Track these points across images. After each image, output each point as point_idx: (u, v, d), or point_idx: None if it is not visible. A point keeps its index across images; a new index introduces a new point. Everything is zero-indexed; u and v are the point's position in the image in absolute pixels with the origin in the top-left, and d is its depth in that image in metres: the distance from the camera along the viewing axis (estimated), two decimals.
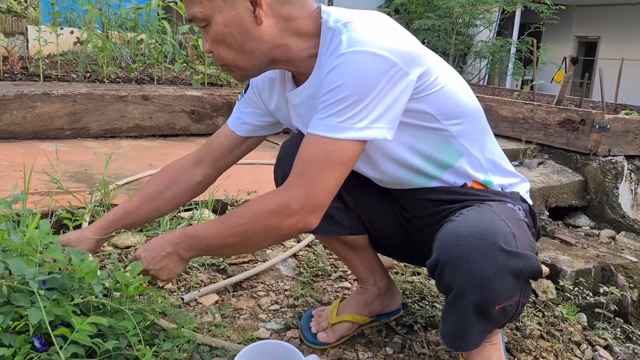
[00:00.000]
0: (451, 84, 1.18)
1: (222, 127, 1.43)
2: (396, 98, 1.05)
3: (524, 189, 1.32)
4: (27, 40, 5.36)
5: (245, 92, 1.38)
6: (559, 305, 1.74)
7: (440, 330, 1.18)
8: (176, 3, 3.93)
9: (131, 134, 3.26)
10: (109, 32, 4.06)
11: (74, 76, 3.88)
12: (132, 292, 1.06)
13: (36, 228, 1.05)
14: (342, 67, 1.03)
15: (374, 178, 1.32)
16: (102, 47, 3.61)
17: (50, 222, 1.82)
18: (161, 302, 1.22)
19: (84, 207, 1.92)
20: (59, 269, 1.06)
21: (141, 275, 1.12)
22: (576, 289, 1.83)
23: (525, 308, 1.56)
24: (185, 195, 1.43)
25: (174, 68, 4.00)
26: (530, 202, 1.31)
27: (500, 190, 1.26)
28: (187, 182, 1.41)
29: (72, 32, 5.33)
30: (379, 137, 1.05)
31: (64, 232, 1.79)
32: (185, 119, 3.41)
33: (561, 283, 1.83)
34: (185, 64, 3.96)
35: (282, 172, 1.36)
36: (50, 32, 3.79)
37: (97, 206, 1.95)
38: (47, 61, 4.41)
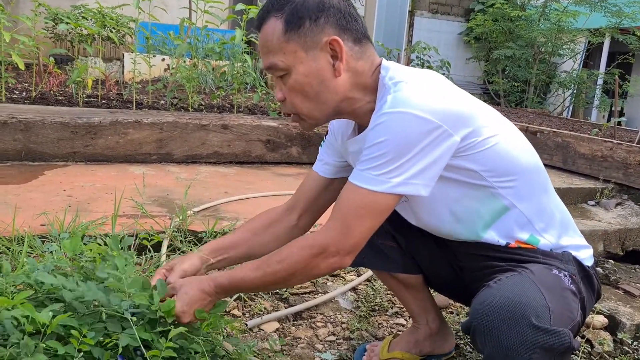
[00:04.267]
0: (505, 142, 1.21)
1: (308, 173, 1.51)
2: (436, 158, 1.11)
3: (585, 254, 1.30)
4: (123, 66, 5.82)
5: (326, 137, 1.48)
6: (616, 359, 1.71)
7: None
8: (258, 38, 4.17)
9: (210, 160, 3.48)
10: (196, 61, 4.36)
11: (163, 102, 4.19)
12: (206, 328, 1.20)
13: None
14: (383, 125, 1.10)
15: (418, 225, 1.38)
16: (189, 78, 3.89)
17: (135, 243, 2.02)
18: (228, 328, 1.35)
19: (164, 232, 2.10)
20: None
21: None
22: (635, 343, 1.79)
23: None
24: (285, 235, 1.47)
25: (253, 97, 4.23)
26: (590, 263, 1.30)
27: (549, 250, 1.26)
28: (285, 224, 1.48)
29: (163, 60, 5.74)
30: (413, 193, 1.12)
31: (145, 254, 1.98)
32: (260, 147, 3.60)
33: (619, 336, 1.80)
34: (264, 94, 4.17)
35: None
36: (143, 62, 4.12)
37: (175, 231, 2.12)
38: (140, 86, 4.78)
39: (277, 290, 1.95)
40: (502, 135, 1.21)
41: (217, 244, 1.45)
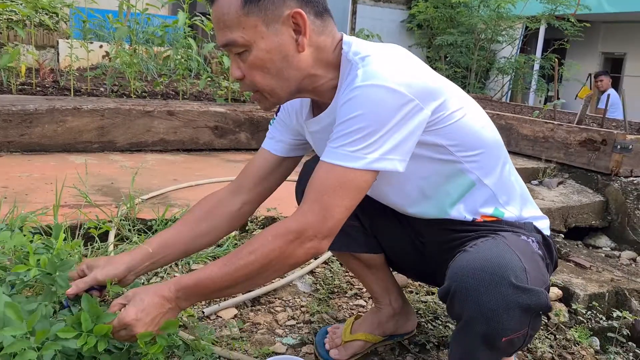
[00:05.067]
0: (469, 117, 1.20)
1: (258, 152, 1.42)
2: (410, 132, 1.08)
3: (543, 224, 1.33)
4: (58, 54, 5.54)
5: (277, 115, 1.41)
6: (571, 329, 1.76)
7: (449, 356, 1.19)
8: (202, 21, 4.04)
9: (156, 147, 3.35)
10: (137, 46, 4.19)
11: (102, 90, 4.01)
12: (158, 349, 1.11)
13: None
14: (357, 100, 1.06)
15: (385, 203, 1.36)
16: (129, 63, 3.73)
17: (79, 234, 1.91)
18: (184, 317, 1.28)
19: (110, 221, 1.99)
20: None
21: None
22: (589, 312, 1.84)
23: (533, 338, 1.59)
24: (225, 225, 1.40)
25: (198, 83, 4.10)
26: (548, 234, 1.32)
27: (514, 221, 1.27)
28: (226, 211, 1.39)
29: (101, 46, 5.50)
30: (390, 168, 1.08)
31: (91, 245, 1.88)
32: (208, 134, 3.49)
33: (574, 306, 1.85)
34: (210, 80, 4.05)
35: (302, 190, 1.40)
36: (81, 47, 3.93)
37: (123, 220, 2.02)
38: (77, 74, 4.55)
39: None
40: (466, 109, 1.20)
41: (149, 247, 1.32)
